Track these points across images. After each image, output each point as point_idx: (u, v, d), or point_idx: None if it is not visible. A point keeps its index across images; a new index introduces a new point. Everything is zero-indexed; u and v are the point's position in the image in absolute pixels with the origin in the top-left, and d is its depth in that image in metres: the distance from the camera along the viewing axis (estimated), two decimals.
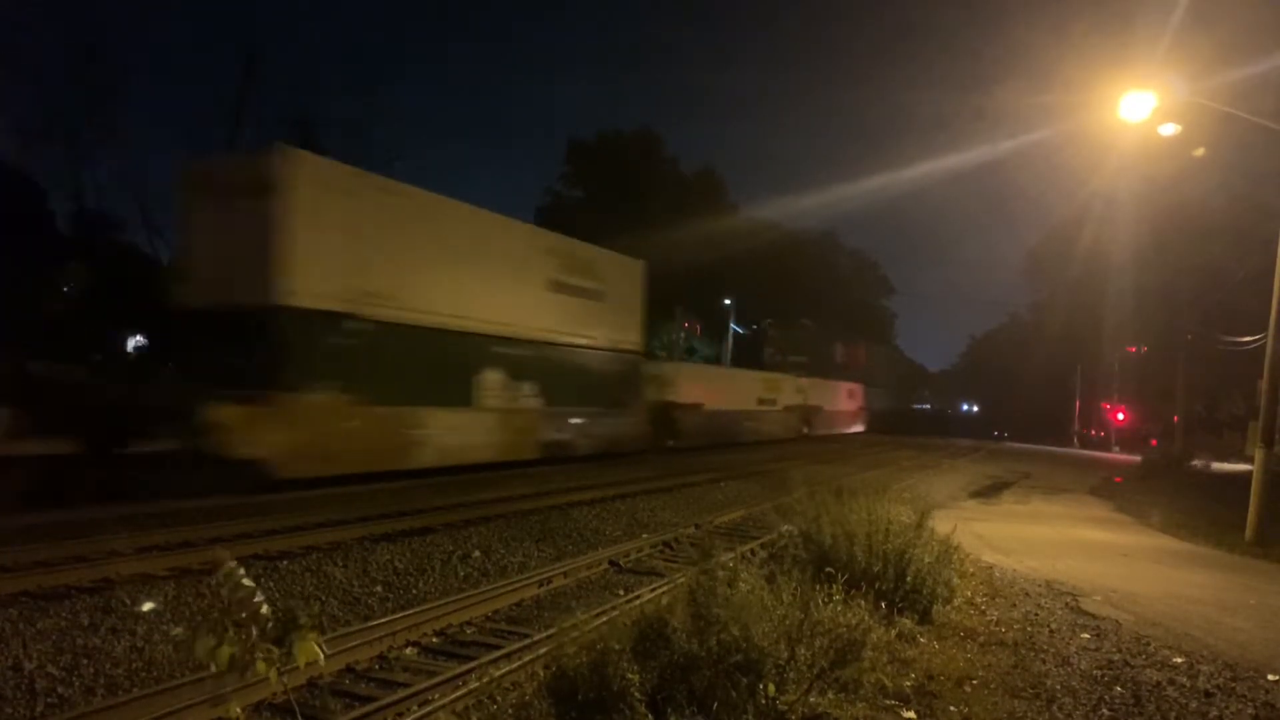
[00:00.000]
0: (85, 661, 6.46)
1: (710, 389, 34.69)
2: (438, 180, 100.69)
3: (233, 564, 3.10)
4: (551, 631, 7.09)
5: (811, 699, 5.03)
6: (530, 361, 21.94)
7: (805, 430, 44.40)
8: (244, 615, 3.14)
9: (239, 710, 4.06)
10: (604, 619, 6.57)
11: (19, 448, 15.01)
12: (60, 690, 5.93)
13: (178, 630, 7.24)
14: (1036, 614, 8.47)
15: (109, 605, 7.81)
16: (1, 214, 27.57)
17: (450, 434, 19.19)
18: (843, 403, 52.97)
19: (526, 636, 7.38)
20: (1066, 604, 8.97)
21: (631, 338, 27.32)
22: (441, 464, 18.80)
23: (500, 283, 21.08)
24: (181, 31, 67.49)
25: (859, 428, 55.29)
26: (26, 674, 6.13)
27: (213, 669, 2.97)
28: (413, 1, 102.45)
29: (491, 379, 20.71)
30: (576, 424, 24.18)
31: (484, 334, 20.37)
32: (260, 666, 3.22)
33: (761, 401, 39.89)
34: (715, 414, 34.05)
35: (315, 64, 76.59)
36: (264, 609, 3.13)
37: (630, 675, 4.81)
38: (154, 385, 17.91)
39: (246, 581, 3.14)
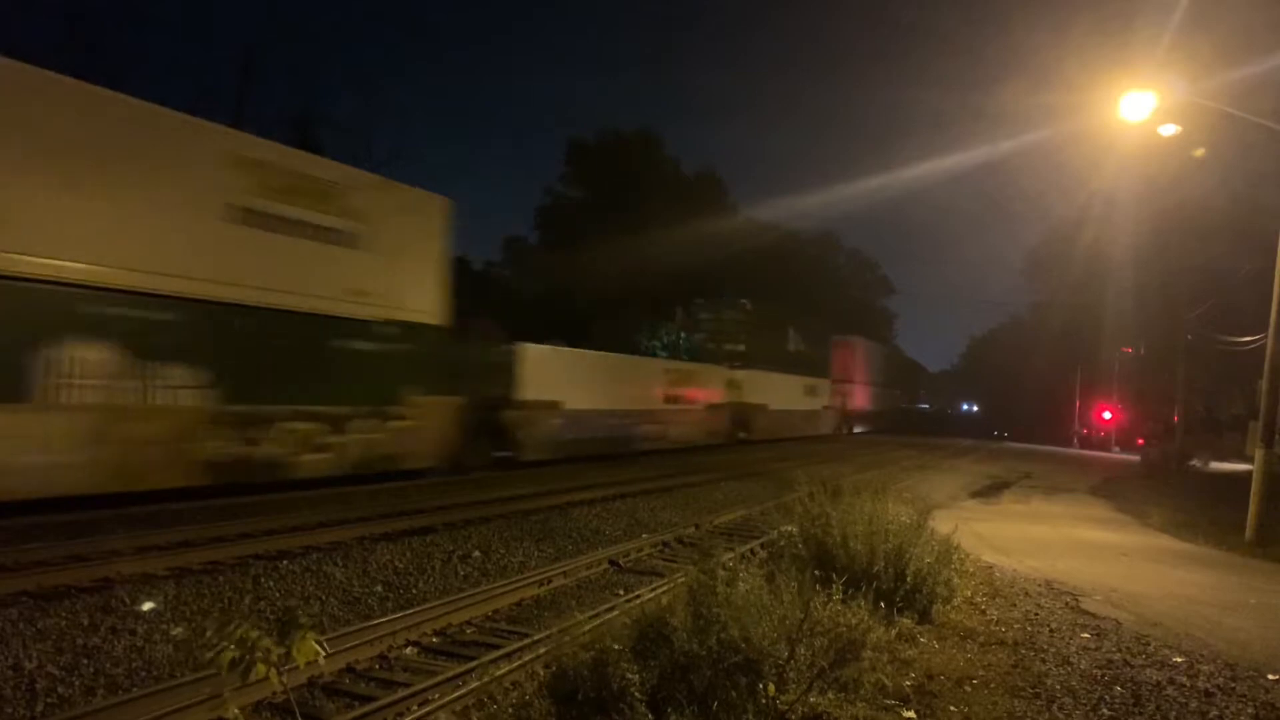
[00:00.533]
0: (85, 661, 6.46)
1: (572, 382, 25.95)
2: (438, 179, 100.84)
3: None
4: (551, 631, 7.10)
5: (811, 699, 5.03)
6: (182, 332, 14.02)
7: (743, 434, 37.03)
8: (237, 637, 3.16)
9: (238, 710, 4.08)
10: (604, 619, 6.57)
11: None
12: (60, 690, 5.93)
13: (178, 630, 7.24)
14: (1036, 613, 8.47)
15: (109, 605, 7.81)
16: None
17: None
18: (800, 400, 44.60)
19: (526, 636, 7.37)
20: (1066, 603, 8.97)
21: (419, 305, 18.83)
22: None
23: (114, 203, 13.13)
24: (180, 29, 67.45)
25: (824, 430, 47.44)
26: (27, 674, 6.13)
27: (214, 669, 2.98)
28: (411, 3, 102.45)
29: (83, 358, 12.65)
30: (294, 431, 15.77)
31: (60, 282, 12.35)
32: (260, 667, 3.23)
33: (670, 399, 32.27)
34: (580, 416, 25.97)
35: (315, 63, 76.44)
36: (244, 628, 3.16)
37: (630, 675, 4.81)
38: None
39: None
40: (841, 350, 52.47)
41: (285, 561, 9.92)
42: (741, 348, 39.81)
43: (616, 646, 5.12)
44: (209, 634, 3.22)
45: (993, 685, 6.19)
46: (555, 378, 24.58)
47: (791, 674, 5.06)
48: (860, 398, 55.85)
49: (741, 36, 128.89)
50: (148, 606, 7.86)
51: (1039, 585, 9.81)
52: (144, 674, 6.33)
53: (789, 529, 9.17)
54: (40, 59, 11.74)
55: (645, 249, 35.03)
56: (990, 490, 23.07)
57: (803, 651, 5.21)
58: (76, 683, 6.06)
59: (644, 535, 12.80)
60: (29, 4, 47.80)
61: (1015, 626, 7.93)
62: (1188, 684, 6.37)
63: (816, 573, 7.25)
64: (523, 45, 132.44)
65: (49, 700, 5.75)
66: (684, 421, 32.47)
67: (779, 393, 41.61)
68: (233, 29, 70.90)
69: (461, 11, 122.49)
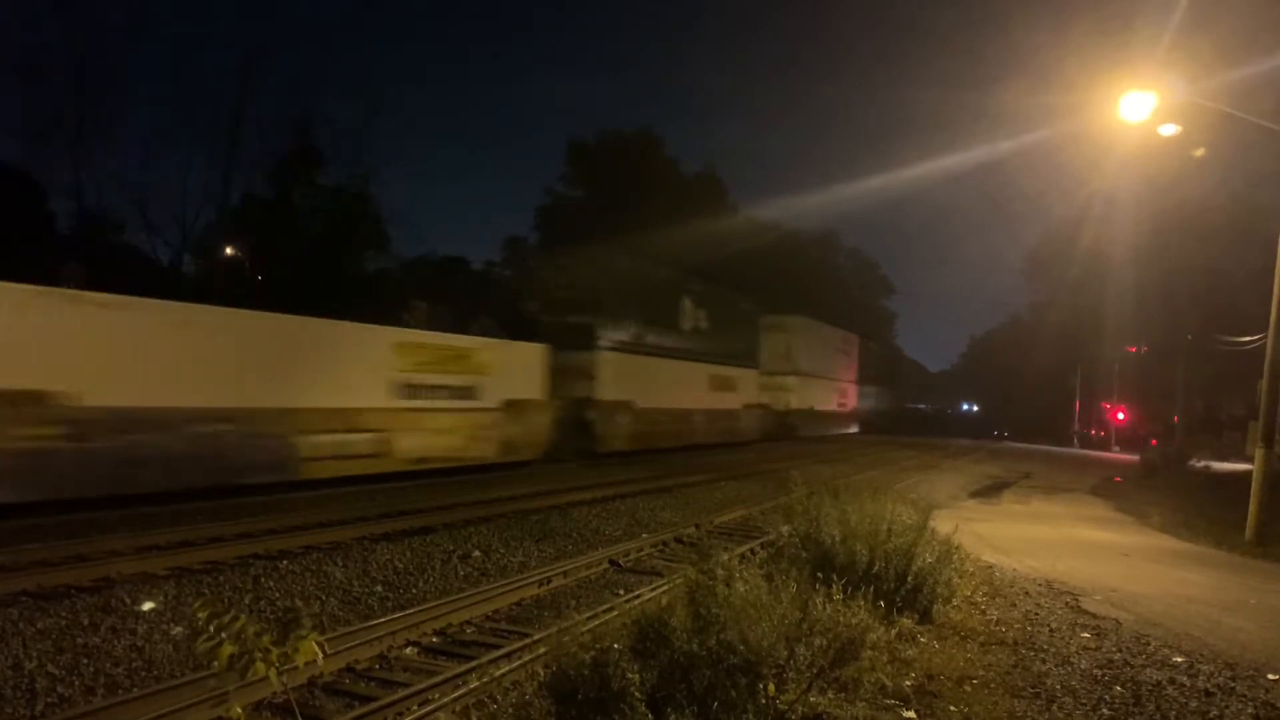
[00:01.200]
0: (85, 661, 6.46)
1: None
2: (437, 180, 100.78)
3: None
4: (551, 631, 7.10)
5: (811, 698, 5.03)
6: None
7: (598, 446, 25.63)
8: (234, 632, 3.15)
9: (239, 710, 4.07)
10: (604, 619, 6.57)
11: None
12: (60, 689, 5.92)
13: (178, 630, 7.24)
14: (1037, 613, 8.47)
15: (109, 605, 7.81)
16: (1, 214, 27.54)
17: None
18: (705, 398, 33.30)
19: (526, 636, 7.37)
20: (1067, 603, 8.97)
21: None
22: None
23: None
24: (180, 31, 67.42)
25: (750, 435, 37.62)
26: (27, 673, 6.13)
27: (213, 668, 2.98)
28: (411, 3, 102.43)
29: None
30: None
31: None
32: (259, 666, 3.23)
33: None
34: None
35: (315, 65, 76.43)
36: (242, 622, 3.16)
37: (630, 675, 4.81)
38: None
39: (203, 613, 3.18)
40: (774, 331, 51.54)
41: (285, 561, 9.92)
42: (584, 321, 37.62)
43: (616, 646, 5.11)
44: (201, 621, 3.21)
45: (993, 685, 6.19)
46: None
47: (791, 674, 5.05)
48: (857, 397, 55.66)
49: (741, 37, 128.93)
50: (148, 606, 7.86)
51: (1039, 585, 9.81)
52: (144, 674, 6.33)
53: (788, 529, 9.16)
54: (40, 58, 11.82)
55: (645, 249, 34.92)
56: (990, 490, 23.08)
57: (802, 651, 5.20)
58: (76, 682, 6.06)
59: (644, 535, 12.80)
60: (26, 11, 47.76)
61: (1015, 626, 7.93)
62: (1188, 684, 6.37)
63: (816, 573, 7.25)
64: (523, 46, 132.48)
65: (49, 700, 5.75)
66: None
67: (666, 389, 37.88)
68: (232, 31, 70.80)
69: (462, 13, 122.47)
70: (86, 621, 7.33)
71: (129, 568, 9.11)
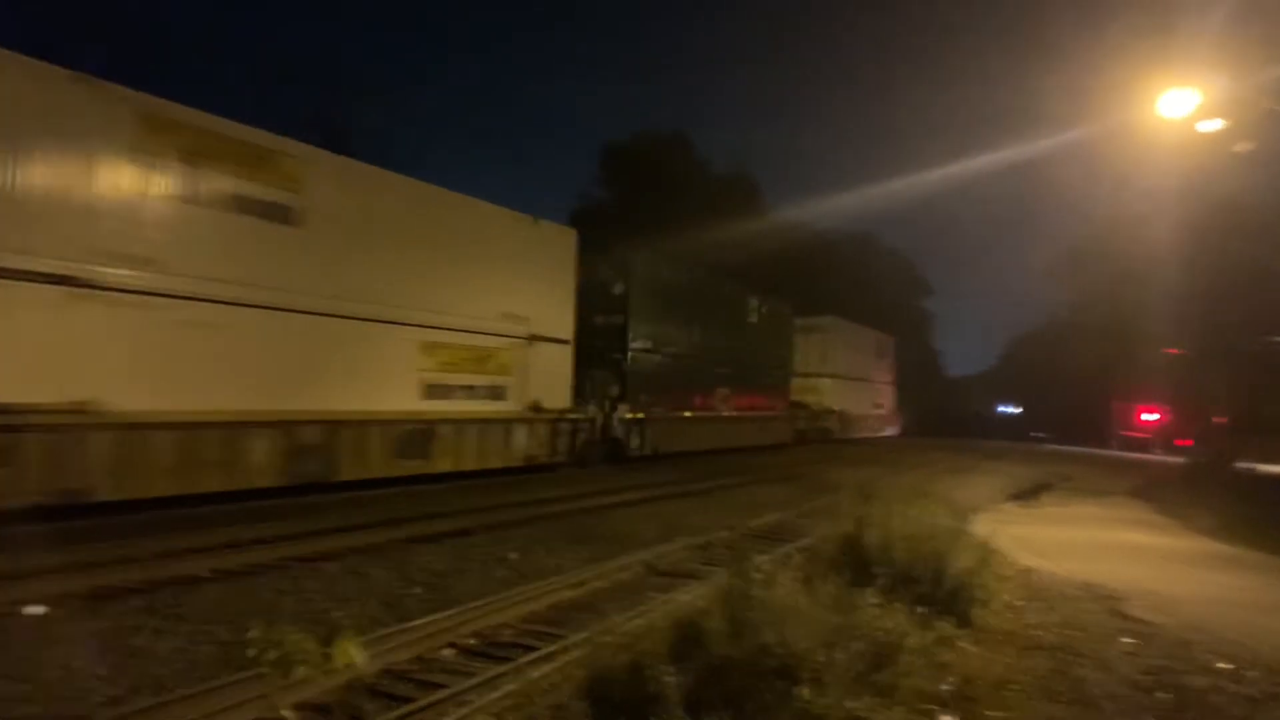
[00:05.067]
0: (132, 661, 6.57)
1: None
2: (469, 185, 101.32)
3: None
4: (587, 634, 7.13)
5: (848, 703, 5.02)
6: None
7: (626, 451, 24.64)
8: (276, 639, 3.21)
9: (283, 711, 4.14)
10: (639, 621, 6.59)
11: None
12: (108, 690, 6.04)
13: (222, 631, 7.35)
14: (1076, 617, 8.39)
15: (153, 606, 7.95)
16: None
17: None
18: (735, 401, 31.35)
19: (562, 638, 7.41)
20: (1107, 607, 8.87)
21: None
22: None
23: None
24: (206, 35, 68.43)
25: (783, 439, 35.55)
26: (76, 673, 6.26)
27: (255, 670, 3.03)
28: (441, 6, 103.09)
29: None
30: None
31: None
32: (301, 668, 3.29)
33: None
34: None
35: (342, 68, 77.16)
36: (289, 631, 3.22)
37: (666, 678, 4.83)
38: None
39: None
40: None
41: (325, 563, 10.03)
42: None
43: (652, 649, 5.14)
44: (252, 633, 3.28)
45: (1032, 690, 6.15)
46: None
47: (828, 678, 5.05)
48: (894, 398, 54.92)
49: (774, 37, 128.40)
50: (192, 607, 7.99)
51: (1078, 589, 9.71)
52: (189, 675, 6.43)
53: (825, 532, 9.14)
54: (66, 59, 12.10)
55: (678, 250, 34.88)
56: (1029, 493, 22.82)
57: (839, 655, 5.20)
58: (124, 683, 6.17)
59: (679, 538, 12.80)
60: (50, 11, 48.63)
61: (1054, 630, 7.86)
62: (1234, 690, 6.29)
63: (853, 576, 7.24)
64: (554, 49, 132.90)
65: (97, 700, 5.86)
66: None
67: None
68: (258, 33, 71.69)
69: (494, 16, 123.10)
70: (132, 623, 7.46)
71: (174, 569, 9.26)
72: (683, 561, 11.42)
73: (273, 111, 34.18)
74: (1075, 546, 13.20)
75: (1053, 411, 75.58)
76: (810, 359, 40.93)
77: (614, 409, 24.17)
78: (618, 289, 25.25)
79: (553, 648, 7.12)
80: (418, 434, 17.06)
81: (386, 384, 16.51)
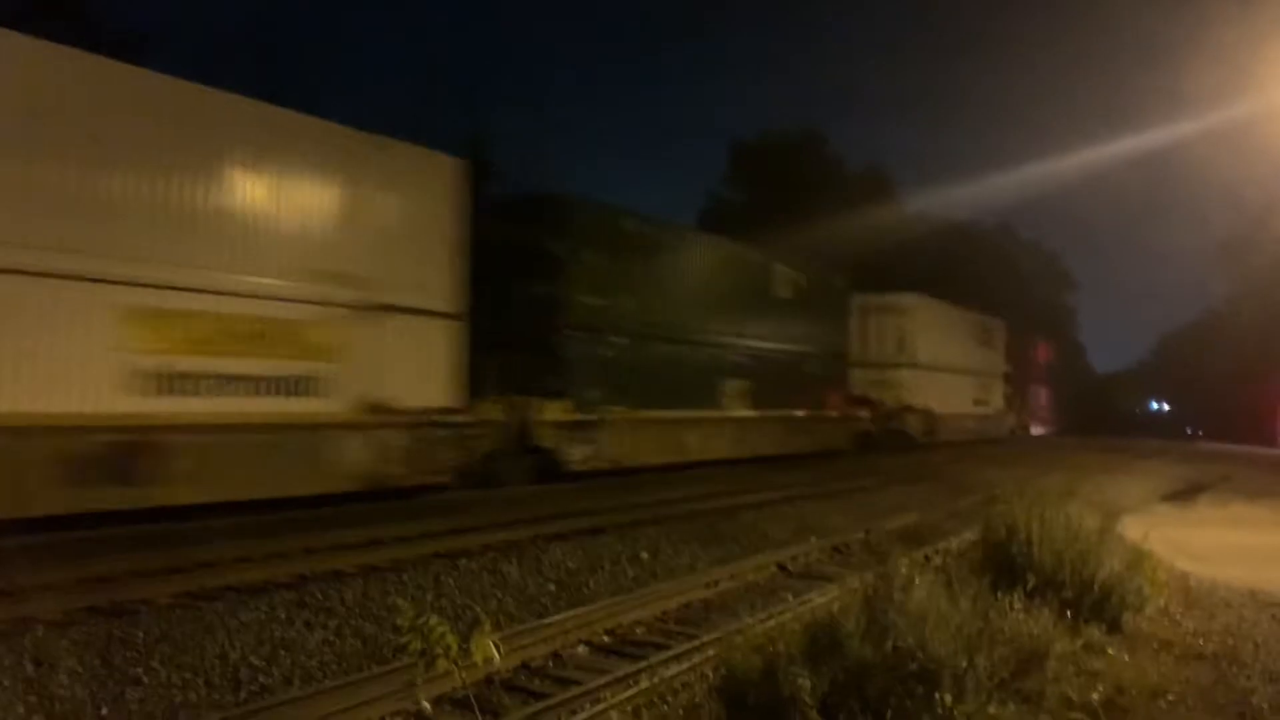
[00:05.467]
0: (283, 653, 6.88)
1: None
2: (600, 188, 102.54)
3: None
4: (720, 634, 7.10)
5: (991, 710, 4.85)
6: None
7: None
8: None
9: (424, 701, 4.25)
10: (773, 623, 6.53)
11: None
12: (261, 679, 6.33)
13: (368, 625, 7.62)
14: (1239, 626, 7.91)
15: (303, 600, 8.29)
16: None
17: None
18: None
19: (695, 638, 7.40)
20: (1274, 615, 8.34)
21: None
22: None
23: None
24: (359, 49, 71.13)
25: (838, 443, 29.27)
26: (231, 663, 6.58)
27: (398, 664, 3.12)
28: (571, 13, 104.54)
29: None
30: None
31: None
32: (441, 662, 3.37)
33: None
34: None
35: (485, 78, 79.12)
36: (435, 621, 3.30)
37: (801, 680, 4.76)
38: None
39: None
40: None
41: (464, 560, 10.27)
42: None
43: (787, 651, 5.08)
44: (401, 621, 3.38)
45: (1190, 701, 5.82)
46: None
47: (970, 684, 4.89)
48: (1012, 393, 51.67)
49: (905, 30, 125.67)
50: (339, 601, 8.30)
51: (1241, 595, 9.16)
52: (335, 666, 6.70)
53: (967, 534, 8.87)
54: (229, 86, 12.63)
55: (810, 247, 34.40)
56: (1184, 494, 21.66)
57: (982, 661, 5.03)
58: (276, 672, 6.47)
59: (812, 539, 12.63)
60: (220, 36, 51.31)
61: (1215, 639, 7.43)
62: None
63: (996, 580, 7.01)
64: (683, 50, 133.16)
65: (251, 689, 6.16)
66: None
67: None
68: (407, 51, 74.15)
69: (619, 20, 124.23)
70: (284, 615, 7.80)
71: (322, 565, 9.65)
72: (817, 563, 11.26)
73: (426, 124, 35.10)
74: (1237, 550, 12.45)
75: (1208, 408, 71.79)
76: (884, 346, 33.58)
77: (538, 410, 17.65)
78: (551, 248, 18.52)
79: (685, 647, 7.11)
80: (120, 450, 11.20)
81: (60, 373, 10.88)
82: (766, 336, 25.26)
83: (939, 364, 35.51)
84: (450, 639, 3.34)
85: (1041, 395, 52.42)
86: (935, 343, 35.10)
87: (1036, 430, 51.35)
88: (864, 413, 31.40)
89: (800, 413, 26.70)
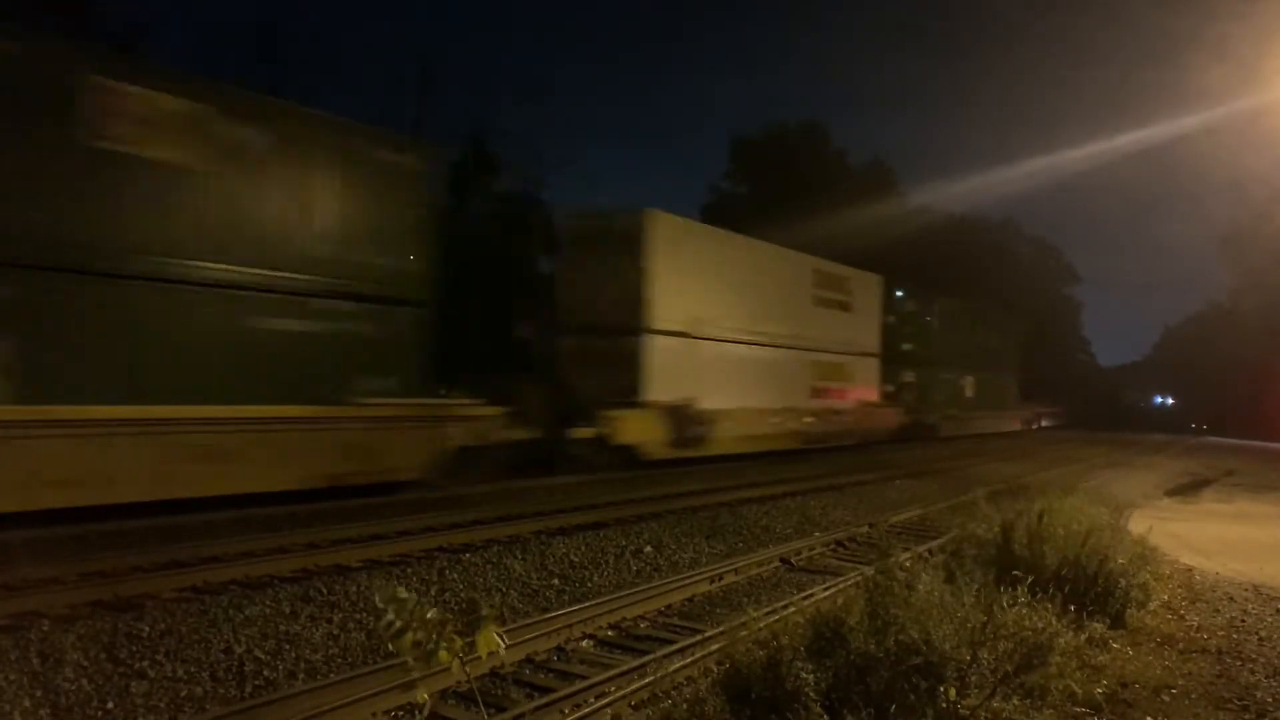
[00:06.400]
0: (287, 647, 6.89)
1: None
2: (602, 183, 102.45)
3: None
4: (724, 628, 7.11)
5: (995, 704, 4.86)
6: None
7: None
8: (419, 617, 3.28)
9: (426, 696, 4.26)
10: (777, 617, 6.53)
11: None
12: (266, 673, 6.35)
13: (370, 620, 7.63)
14: (1243, 620, 7.91)
15: (308, 594, 8.30)
16: None
17: None
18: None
19: (699, 632, 7.41)
20: (1278, 610, 8.34)
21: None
22: None
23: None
24: (358, 43, 70.95)
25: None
26: (236, 657, 6.60)
27: (403, 657, 3.11)
28: (572, 5, 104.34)
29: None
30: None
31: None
32: (443, 655, 3.36)
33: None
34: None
35: (486, 73, 79.02)
36: (433, 612, 3.27)
37: (805, 674, 4.77)
38: None
39: (402, 594, 3.26)
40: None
41: (467, 554, 10.29)
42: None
43: (790, 645, 5.08)
44: (399, 621, 3.36)
45: (1194, 695, 5.82)
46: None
47: (974, 678, 4.89)
48: (1016, 388, 50.31)
49: (907, 24, 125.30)
50: (344, 596, 8.31)
51: (1245, 590, 9.16)
52: (340, 660, 6.71)
53: (970, 529, 8.87)
54: (234, 79, 12.58)
55: (812, 241, 34.32)
56: (1188, 488, 21.66)
57: (985, 655, 5.03)
58: (280, 667, 6.49)
59: (815, 533, 12.65)
60: (222, 31, 51.19)
61: (1219, 634, 7.43)
62: None
63: (999, 574, 7.00)
64: (685, 44, 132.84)
65: (256, 683, 6.17)
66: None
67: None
68: (407, 41, 73.99)
69: (621, 14, 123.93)
70: (288, 610, 7.81)
71: (325, 559, 9.66)
72: (820, 557, 11.27)
73: (427, 118, 34.91)
74: (1241, 545, 12.45)
75: (1212, 403, 71.71)
76: (608, 298, 24.80)
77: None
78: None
79: (689, 641, 7.13)
80: None
81: None
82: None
83: (713, 331, 22.81)
84: (449, 630, 3.34)
85: (1001, 386, 45.70)
86: (701, 295, 22.36)
87: (1010, 426, 46.43)
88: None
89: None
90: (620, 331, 20.53)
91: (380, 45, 67.90)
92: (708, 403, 21.82)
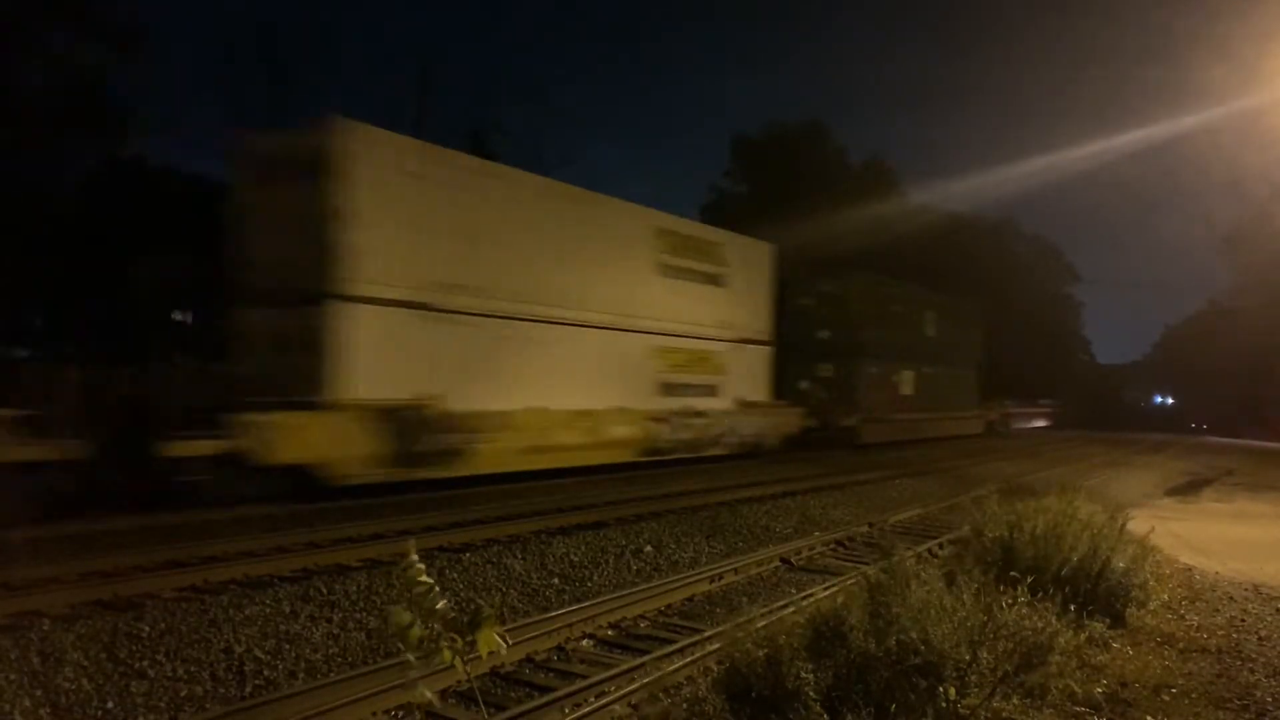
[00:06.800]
0: (287, 646, 6.89)
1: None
2: (602, 182, 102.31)
3: (415, 557, 3.21)
4: (724, 628, 7.11)
5: (995, 704, 4.86)
6: None
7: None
8: (428, 606, 3.27)
9: (427, 694, 4.24)
10: (777, 616, 6.54)
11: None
12: (266, 673, 6.35)
13: (370, 619, 7.63)
14: (1243, 620, 7.91)
15: (308, 594, 8.30)
16: None
17: None
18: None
19: (699, 632, 7.41)
20: (1278, 609, 8.34)
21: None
22: None
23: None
24: (359, 43, 70.96)
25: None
26: (236, 657, 6.60)
27: (403, 655, 3.11)
28: (572, 3, 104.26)
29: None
30: None
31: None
32: (445, 654, 3.36)
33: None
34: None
35: (485, 71, 79.09)
36: (442, 603, 3.26)
37: (805, 674, 4.77)
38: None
39: (424, 578, 3.25)
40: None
41: (468, 554, 10.29)
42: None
43: (790, 644, 5.08)
44: (399, 620, 3.35)
45: (1194, 695, 5.82)
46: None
47: (973, 678, 4.90)
48: (979, 388, 46.59)
49: (908, 23, 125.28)
50: (344, 595, 8.31)
51: (1245, 590, 9.16)
52: (340, 660, 6.72)
53: (970, 528, 8.87)
54: (233, 84, 12.61)
55: (812, 239, 34.26)
56: (1188, 488, 21.67)
57: (985, 655, 5.03)
58: (280, 666, 6.49)
59: (815, 533, 12.65)
60: (222, 31, 51.17)
61: (1219, 633, 7.44)
62: None
63: (1000, 574, 7.01)
64: (686, 43, 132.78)
65: (256, 682, 6.18)
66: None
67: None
68: (408, 42, 73.97)
69: (623, 12, 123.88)
70: (288, 609, 7.81)
71: (325, 559, 9.66)
72: (820, 557, 11.27)
73: (427, 116, 34.89)
74: (1241, 544, 12.45)
75: (1212, 402, 71.77)
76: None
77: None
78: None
79: (689, 640, 7.14)
80: None
81: None
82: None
83: (475, 303, 16.51)
84: (453, 632, 3.34)
85: (953, 382, 39.78)
86: (454, 251, 16.23)
87: (972, 430, 40.69)
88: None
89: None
90: (301, 300, 14.23)
91: (380, 45, 67.81)
92: (464, 403, 15.77)
